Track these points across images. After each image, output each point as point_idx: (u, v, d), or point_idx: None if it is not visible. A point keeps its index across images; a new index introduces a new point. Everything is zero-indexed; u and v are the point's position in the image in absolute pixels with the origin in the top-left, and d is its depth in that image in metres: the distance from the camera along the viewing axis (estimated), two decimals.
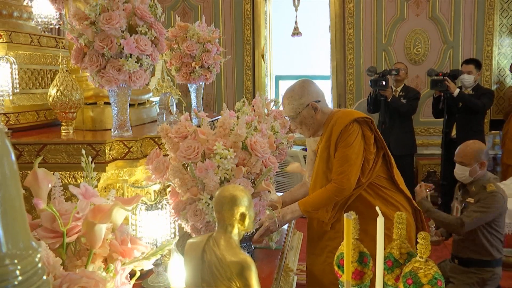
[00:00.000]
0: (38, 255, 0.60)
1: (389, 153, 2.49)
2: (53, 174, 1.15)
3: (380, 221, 1.07)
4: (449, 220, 3.23)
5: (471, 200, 3.25)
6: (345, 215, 1.08)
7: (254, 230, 1.99)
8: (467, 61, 5.47)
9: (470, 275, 3.25)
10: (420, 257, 1.14)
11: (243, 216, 1.08)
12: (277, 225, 2.30)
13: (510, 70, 5.74)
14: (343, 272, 1.18)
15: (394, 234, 1.27)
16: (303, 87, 2.47)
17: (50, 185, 1.07)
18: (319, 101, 2.46)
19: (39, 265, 0.59)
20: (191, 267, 1.08)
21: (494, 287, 3.29)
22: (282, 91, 7.42)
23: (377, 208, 1.15)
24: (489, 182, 3.25)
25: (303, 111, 2.44)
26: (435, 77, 5.28)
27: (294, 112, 2.45)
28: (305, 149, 6.24)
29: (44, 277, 0.59)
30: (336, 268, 1.30)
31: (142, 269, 1.15)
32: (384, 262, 1.20)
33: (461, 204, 3.38)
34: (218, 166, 1.58)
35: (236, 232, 1.08)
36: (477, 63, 5.43)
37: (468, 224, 3.14)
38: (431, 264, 1.12)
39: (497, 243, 3.28)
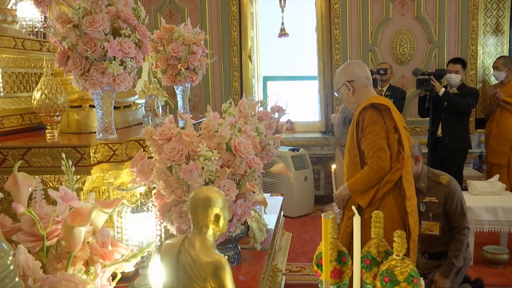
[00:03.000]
0: (10, 258, 0.61)
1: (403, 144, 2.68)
2: (37, 177, 1.15)
3: (357, 221, 1.08)
4: (461, 247, 3.28)
5: (433, 199, 3.31)
6: (322, 215, 1.09)
7: (240, 231, 2.00)
8: (454, 60, 5.52)
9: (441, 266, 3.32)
10: (396, 255, 1.16)
11: (217, 217, 1.09)
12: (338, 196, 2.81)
13: (493, 67, 5.81)
14: (322, 271, 1.19)
15: (372, 233, 1.29)
16: (344, 67, 2.87)
17: (30, 189, 1.07)
18: (353, 81, 2.78)
19: (11, 267, 0.60)
20: (167, 268, 1.09)
21: (465, 271, 3.39)
22: (270, 92, 7.45)
23: (353, 207, 1.16)
24: (439, 175, 3.35)
25: (341, 88, 2.84)
26: (421, 77, 5.33)
27: (336, 87, 2.90)
28: (293, 150, 6.27)
29: (16, 279, 0.59)
30: (315, 267, 1.31)
31: (123, 271, 1.16)
32: (362, 261, 1.22)
33: (420, 205, 3.43)
34: (203, 168, 1.59)
35: (211, 233, 1.10)
36: (463, 63, 5.49)
37: (469, 222, 3.26)
38: (407, 262, 1.14)
39: None
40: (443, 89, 5.24)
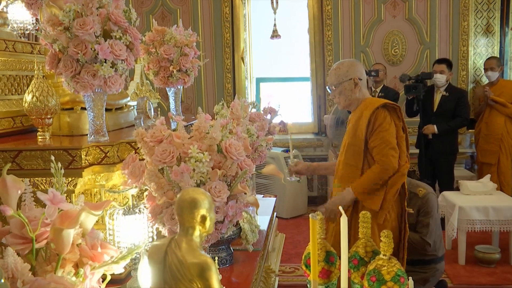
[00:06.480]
0: None
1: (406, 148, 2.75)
2: (27, 180, 1.15)
3: (344, 221, 1.09)
4: (416, 240, 3.28)
5: (409, 210, 3.31)
6: (310, 215, 1.10)
7: (232, 232, 2.00)
8: (439, 61, 5.58)
9: (414, 273, 3.32)
10: (383, 255, 1.17)
11: (203, 218, 1.10)
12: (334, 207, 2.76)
13: (486, 68, 5.84)
14: (310, 272, 1.20)
15: (360, 233, 1.30)
16: (352, 63, 2.87)
17: (19, 192, 1.07)
18: (361, 80, 2.81)
19: None
20: (154, 269, 1.10)
21: (435, 282, 3.39)
22: (263, 93, 7.46)
23: (340, 208, 1.17)
24: (417, 186, 3.36)
25: (345, 82, 2.78)
26: (408, 83, 5.40)
27: (338, 81, 2.80)
28: (286, 151, 6.28)
29: (2, 281, 0.59)
30: (304, 267, 1.32)
31: (115, 274, 1.16)
32: (350, 261, 1.22)
33: None
34: (194, 170, 1.59)
35: (197, 234, 1.10)
36: (448, 63, 5.53)
37: (432, 240, 3.26)
38: (394, 262, 1.15)
39: (438, 240, 3.39)
40: (435, 128, 5.38)
